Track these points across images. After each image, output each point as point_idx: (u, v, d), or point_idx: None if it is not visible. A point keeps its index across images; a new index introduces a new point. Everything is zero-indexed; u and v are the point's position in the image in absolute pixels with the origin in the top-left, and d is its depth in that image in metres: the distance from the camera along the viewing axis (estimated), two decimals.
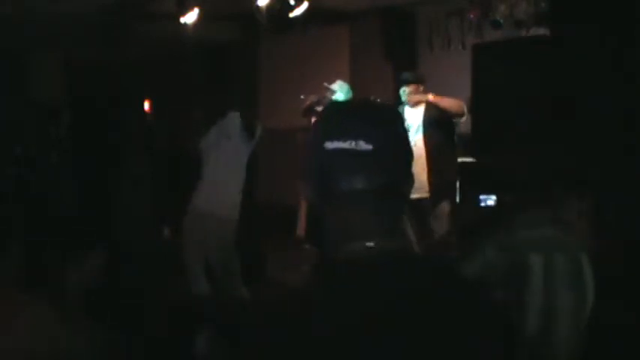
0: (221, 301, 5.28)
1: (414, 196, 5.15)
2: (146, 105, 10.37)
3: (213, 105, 5.55)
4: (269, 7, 6.57)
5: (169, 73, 9.61)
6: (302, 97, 6.16)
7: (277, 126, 8.88)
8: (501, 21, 5.87)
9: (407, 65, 7.45)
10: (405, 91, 5.70)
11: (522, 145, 4.95)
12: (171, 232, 8.33)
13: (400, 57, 7.58)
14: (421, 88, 5.71)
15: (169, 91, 9.68)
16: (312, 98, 6.05)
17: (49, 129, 8.90)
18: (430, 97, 5.52)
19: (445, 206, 5.50)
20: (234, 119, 5.28)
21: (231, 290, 5.24)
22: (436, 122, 5.52)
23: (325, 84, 6.12)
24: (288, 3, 6.58)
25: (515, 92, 5.07)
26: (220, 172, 5.19)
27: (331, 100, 5.96)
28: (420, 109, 5.63)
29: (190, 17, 6.79)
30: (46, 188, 8.04)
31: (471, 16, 6.67)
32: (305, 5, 6.60)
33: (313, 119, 6.34)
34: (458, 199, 5.42)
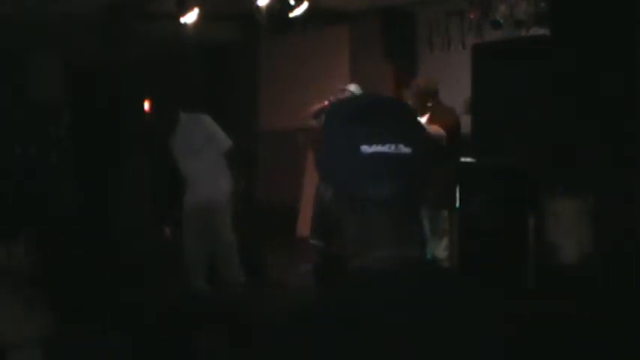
0: (221, 300, 5.29)
1: None
2: (146, 105, 10.37)
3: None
4: (269, 7, 6.57)
5: (169, 73, 9.60)
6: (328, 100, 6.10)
7: (277, 126, 8.89)
8: (501, 21, 5.87)
9: (407, 65, 7.46)
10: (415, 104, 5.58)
11: (522, 145, 4.95)
12: (171, 231, 8.33)
13: (400, 57, 7.57)
14: (430, 104, 5.50)
15: (169, 91, 9.67)
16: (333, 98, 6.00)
17: (49, 129, 8.90)
18: None
19: (443, 213, 5.49)
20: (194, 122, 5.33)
21: (231, 281, 5.29)
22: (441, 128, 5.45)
23: (342, 86, 6.16)
24: (288, 3, 6.58)
25: (515, 92, 5.06)
26: (198, 172, 5.26)
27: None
28: (423, 119, 5.55)
29: (190, 17, 6.79)
30: (46, 188, 8.04)
31: (471, 16, 6.67)
32: (305, 5, 6.60)
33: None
34: (458, 200, 5.42)
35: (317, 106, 6.23)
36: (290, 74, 8.86)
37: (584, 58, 4.48)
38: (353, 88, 6.28)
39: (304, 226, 7.43)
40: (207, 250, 5.31)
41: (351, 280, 1.16)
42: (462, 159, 5.49)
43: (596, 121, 4.42)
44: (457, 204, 5.41)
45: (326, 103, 6.10)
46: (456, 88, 6.27)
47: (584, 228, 4.62)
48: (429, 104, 5.50)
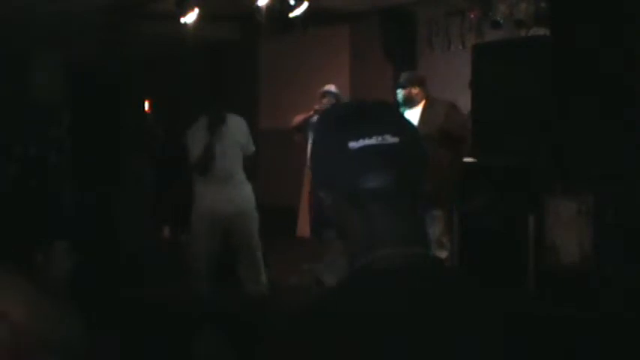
0: (224, 300, 5.30)
1: None
2: (146, 105, 10.38)
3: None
4: (269, 7, 6.57)
5: (169, 73, 9.60)
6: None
7: (277, 126, 8.89)
8: (501, 21, 5.87)
9: (407, 65, 7.46)
10: (401, 93, 5.67)
11: (522, 145, 4.95)
12: (172, 231, 8.34)
13: (400, 57, 7.58)
14: (415, 91, 5.62)
15: (169, 91, 9.67)
16: (318, 106, 6.01)
17: (49, 129, 8.90)
18: None
19: (438, 210, 5.52)
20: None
21: (258, 281, 5.32)
22: (432, 123, 5.50)
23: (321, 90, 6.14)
24: (288, 3, 6.58)
25: (515, 92, 5.06)
26: (236, 172, 5.27)
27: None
28: (417, 110, 5.60)
29: (190, 17, 6.79)
30: (46, 188, 8.03)
31: (471, 16, 6.67)
32: (305, 5, 6.60)
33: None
34: (458, 200, 5.42)
35: (301, 117, 6.24)
36: (290, 74, 8.86)
37: (584, 58, 4.48)
38: (333, 88, 6.29)
39: (304, 226, 7.43)
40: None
41: (354, 280, 1.16)
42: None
43: (596, 121, 4.42)
44: (457, 204, 5.41)
45: (311, 112, 6.12)
46: (456, 88, 6.27)
47: (584, 228, 4.62)
48: (415, 90, 5.56)
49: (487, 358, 1.12)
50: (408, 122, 1.20)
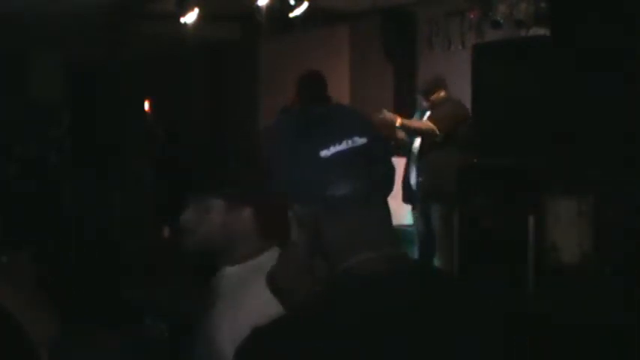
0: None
1: None
2: (146, 105, 10.38)
3: None
4: (269, 7, 6.57)
5: (169, 73, 9.60)
6: None
7: None
8: (501, 21, 5.86)
9: (407, 65, 7.47)
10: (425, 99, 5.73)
11: (522, 145, 4.96)
12: (172, 232, 8.33)
13: (400, 57, 7.58)
14: (442, 93, 5.70)
15: (169, 91, 9.67)
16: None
17: (49, 129, 8.90)
18: (398, 121, 5.36)
19: (436, 211, 5.54)
20: None
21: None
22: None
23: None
24: (288, 3, 6.58)
25: (515, 92, 5.07)
26: None
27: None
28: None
29: (190, 17, 6.79)
30: (45, 188, 8.03)
31: (471, 16, 6.66)
32: (305, 5, 6.60)
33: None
34: (458, 200, 5.42)
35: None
36: (290, 74, 8.85)
37: (584, 58, 4.48)
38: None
39: None
40: None
41: (345, 282, 1.15)
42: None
43: (596, 121, 4.42)
44: (457, 204, 5.41)
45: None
46: (456, 88, 6.27)
47: (585, 228, 4.62)
48: (442, 93, 5.70)
49: (487, 358, 1.12)
50: (369, 120, 1.21)
